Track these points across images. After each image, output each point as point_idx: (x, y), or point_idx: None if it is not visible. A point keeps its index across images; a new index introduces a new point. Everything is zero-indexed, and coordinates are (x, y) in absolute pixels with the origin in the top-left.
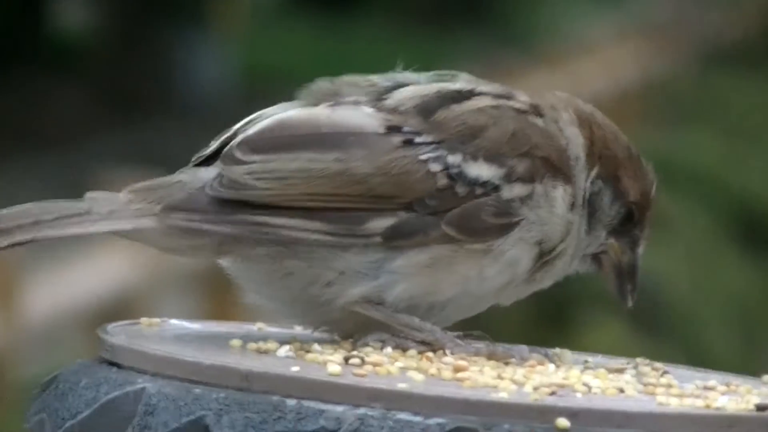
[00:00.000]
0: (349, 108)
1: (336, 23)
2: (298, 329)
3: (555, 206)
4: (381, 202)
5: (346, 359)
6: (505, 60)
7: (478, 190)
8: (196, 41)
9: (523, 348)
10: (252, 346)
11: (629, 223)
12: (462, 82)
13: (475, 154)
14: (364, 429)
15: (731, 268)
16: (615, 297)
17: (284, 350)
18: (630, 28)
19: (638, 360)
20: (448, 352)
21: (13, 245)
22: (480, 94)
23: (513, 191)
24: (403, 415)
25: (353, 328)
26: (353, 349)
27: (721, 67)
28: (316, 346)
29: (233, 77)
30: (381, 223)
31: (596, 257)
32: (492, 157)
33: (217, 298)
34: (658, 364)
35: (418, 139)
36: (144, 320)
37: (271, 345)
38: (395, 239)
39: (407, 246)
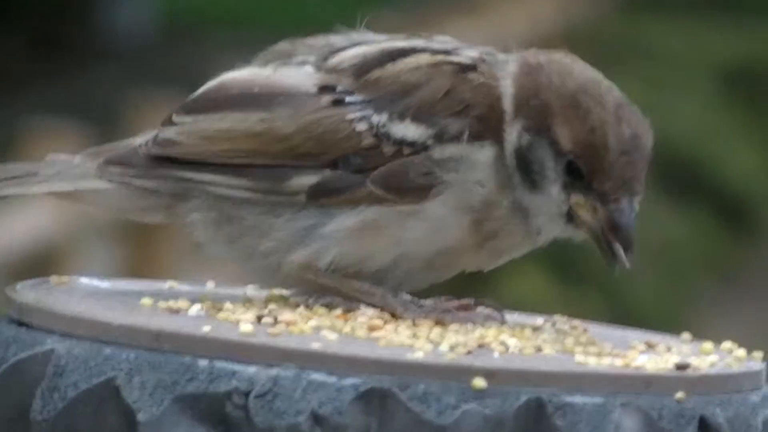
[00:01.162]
0: (291, 68)
1: None
2: (210, 286)
3: (476, 170)
4: (305, 159)
5: (259, 318)
6: (426, 7)
7: (406, 150)
8: None
9: (479, 314)
10: (163, 305)
11: (579, 176)
12: (415, 40)
13: (403, 113)
14: (277, 390)
15: (658, 217)
16: (605, 261)
17: (196, 309)
18: None
19: (556, 317)
20: (400, 315)
21: None
22: (421, 51)
23: (445, 152)
24: (317, 375)
25: (308, 291)
26: (265, 308)
27: (644, 12)
28: (228, 305)
29: (158, 23)
30: (305, 180)
31: (572, 218)
32: (422, 116)
33: (140, 251)
34: (576, 322)
35: (348, 99)
36: (54, 278)
37: (182, 304)
38: (320, 197)
39: (333, 205)
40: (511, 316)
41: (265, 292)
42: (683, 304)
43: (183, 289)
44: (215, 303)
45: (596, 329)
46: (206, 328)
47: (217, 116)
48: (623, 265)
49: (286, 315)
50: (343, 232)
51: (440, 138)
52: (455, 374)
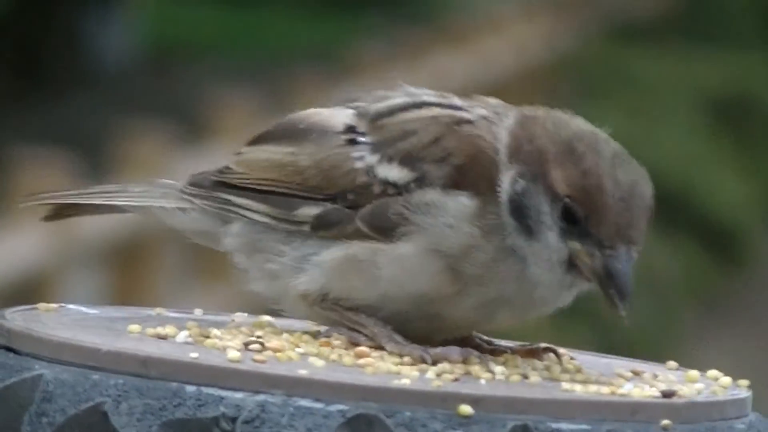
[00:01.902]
0: (341, 110)
1: None
2: (198, 313)
3: (447, 214)
4: (313, 192)
5: (246, 345)
6: (411, 38)
7: (391, 190)
8: (105, 15)
9: (454, 349)
10: (150, 331)
11: (576, 222)
12: (448, 99)
13: (392, 156)
14: (264, 416)
15: (644, 246)
16: (607, 307)
17: (183, 336)
18: (536, 4)
19: (542, 345)
20: (387, 348)
21: (54, 215)
22: (435, 105)
23: (424, 197)
24: (303, 402)
25: (320, 321)
26: (252, 335)
27: (627, 42)
28: (215, 332)
29: (141, 51)
30: (310, 211)
31: (572, 266)
32: (407, 160)
33: (126, 277)
34: (562, 350)
35: (360, 139)
36: (41, 305)
37: (170, 330)
38: (319, 229)
39: (330, 238)
40: (499, 344)
41: (252, 319)
42: (669, 333)
43: (170, 315)
44: (203, 330)
45: (582, 357)
46: (194, 355)
47: (263, 147)
48: (618, 313)
49: (273, 342)
50: (329, 263)
51: (421, 183)
52: (441, 401)
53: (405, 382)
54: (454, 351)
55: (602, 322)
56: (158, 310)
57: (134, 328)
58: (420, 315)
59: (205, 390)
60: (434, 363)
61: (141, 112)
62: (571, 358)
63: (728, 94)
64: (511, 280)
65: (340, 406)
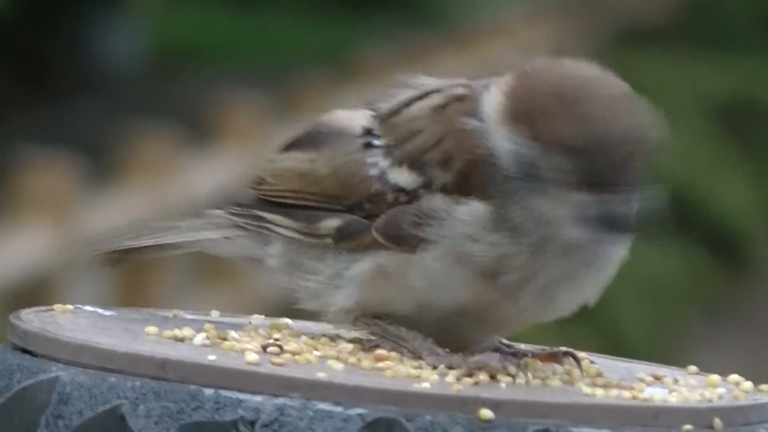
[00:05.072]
0: (360, 111)
1: (249, 0)
2: (215, 315)
3: (462, 225)
4: (333, 202)
5: (264, 348)
6: (417, 40)
7: (402, 197)
8: (110, 18)
9: (494, 356)
10: (168, 333)
11: (566, 172)
12: (451, 81)
13: (401, 159)
14: (283, 419)
15: (649, 252)
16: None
17: (201, 338)
18: (543, 8)
19: (562, 349)
20: (427, 362)
21: (115, 261)
22: (435, 92)
23: (432, 203)
24: (322, 405)
25: (367, 335)
26: (270, 337)
27: (633, 48)
28: (233, 334)
29: (147, 54)
30: (331, 223)
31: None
32: (415, 164)
33: (133, 278)
34: (582, 354)
35: (375, 143)
36: (57, 307)
37: (187, 332)
38: (341, 240)
39: (353, 250)
40: (518, 348)
41: (269, 321)
42: (673, 338)
43: (187, 317)
44: (220, 332)
45: (602, 361)
46: (212, 357)
47: (291, 155)
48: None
49: (291, 345)
50: (360, 276)
51: (428, 187)
52: (462, 405)
53: (425, 385)
54: (494, 357)
55: (607, 327)
56: (175, 311)
57: (151, 330)
58: (465, 321)
59: (224, 393)
60: (474, 371)
61: (147, 115)
62: (591, 362)
63: (734, 100)
64: (558, 259)
65: (360, 410)
